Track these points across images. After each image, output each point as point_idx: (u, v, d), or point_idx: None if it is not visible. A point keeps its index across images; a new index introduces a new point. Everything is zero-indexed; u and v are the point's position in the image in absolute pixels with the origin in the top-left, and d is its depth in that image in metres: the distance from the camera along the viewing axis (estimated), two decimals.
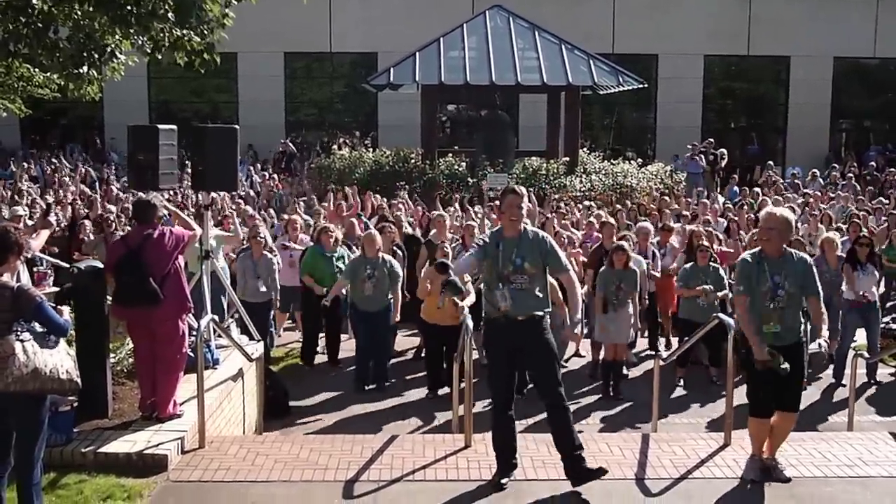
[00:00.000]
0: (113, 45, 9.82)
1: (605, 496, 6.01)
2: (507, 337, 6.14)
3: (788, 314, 6.13)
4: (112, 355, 7.52)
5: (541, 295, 6.17)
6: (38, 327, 5.16)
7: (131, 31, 8.97)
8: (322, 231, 11.41)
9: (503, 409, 6.26)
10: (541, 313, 6.16)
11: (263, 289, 11.18)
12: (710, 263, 10.53)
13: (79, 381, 5.27)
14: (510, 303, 6.02)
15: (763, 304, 6.09)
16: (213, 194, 11.84)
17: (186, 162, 15.99)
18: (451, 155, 22.96)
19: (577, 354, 11.60)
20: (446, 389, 9.70)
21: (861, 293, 10.35)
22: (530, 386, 9.00)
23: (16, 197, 18.55)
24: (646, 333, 12.04)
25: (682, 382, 10.54)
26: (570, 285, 6.40)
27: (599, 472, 6.04)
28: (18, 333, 5.02)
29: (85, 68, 9.81)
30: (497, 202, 7.32)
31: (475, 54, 22.29)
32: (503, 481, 6.15)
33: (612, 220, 12.43)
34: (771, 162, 27.66)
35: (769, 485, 6.18)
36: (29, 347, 5.01)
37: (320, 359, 11.55)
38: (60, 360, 5.14)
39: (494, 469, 6.28)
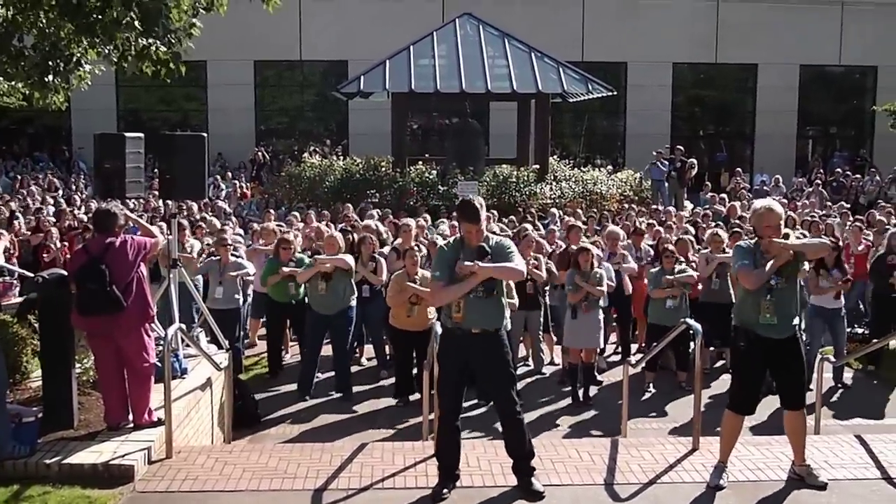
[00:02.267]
0: (79, 54, 9.73)
1: (573, 501, 6.02)
2: (460, 350, 6.15)
3: (784, 306, 6.17)
4: (78, 365, 7.44)
5: (498, 308, 6.18)
6: None
7: (97, 39, 8.90)
8: (280, 243, 11.26)
9: (449, 419, 6.24)
10: (497, 327, 6.18)
11: (232, 295, 11.09)
12: (676, 266, 10.64)
13: None
14: (464, 313, 6.03)
15: (760, 296, 6.11)
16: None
17: (155, 171, 15.89)
18: (421, 163, 23.00)
19: (551, 363, 11.62)
20: (416, 396, 9.69)
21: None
22: None
23: None
24: (614, 339, 12.13)
25: (651, 387, 10.60)
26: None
27: (538, 497, 6.06)
28: None
29: (50, 77, 9.72)
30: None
31: (445, 62, 22.32)
32: (444, 492, 6.12)
33: (578, 224, 12.47)
34: (739, 169, 27.94)
35: (734, 489, 6.23)
36: None
37: (293, 367, 11.50)
38: None
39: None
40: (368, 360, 11.86)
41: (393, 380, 10.53)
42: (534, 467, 6.28)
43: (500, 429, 6.31)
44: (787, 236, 6.53)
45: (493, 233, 7.03)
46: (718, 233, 11.48)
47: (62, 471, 6.28)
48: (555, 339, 11.58)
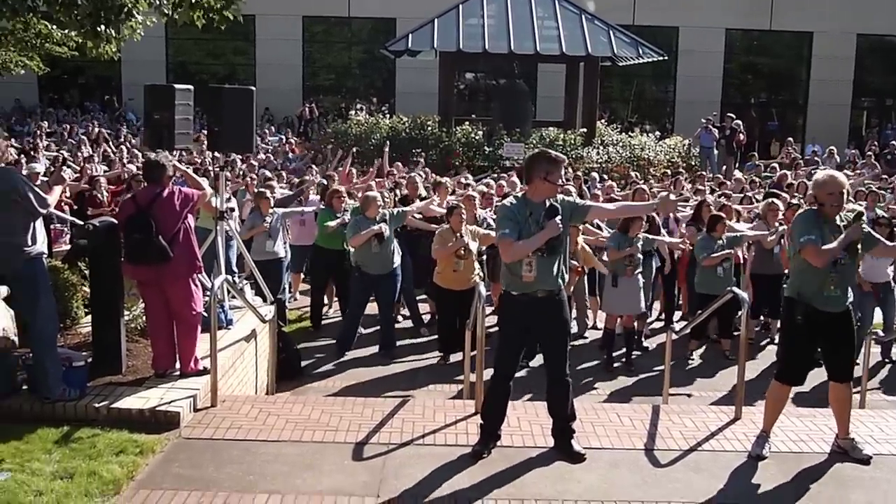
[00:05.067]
0: (130, 4, 9.78)
1: (612, 465, 6.02)
2: (525, 314, 6.08)
3: (846, 280, 6.07)
4: (126, 313, 7.56)
5: (561, 268, 6.10)
6: None
7: None
8: (332, 194, 11.38)
9: (503, 383, 6.24)
10: (560, 287, 6.11)
11: (275, 248, 11.15)
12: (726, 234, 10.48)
13: (15, 339, 5.24)
14: (535, 273, 5.94)
15: (825, 270, 5.92)
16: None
17: (203, 123, 15.98)
18: (467, 123, 22.90)
19: (594, 327, 11.59)
20: (459, 355, 9.72)
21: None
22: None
23: (33, 154, 18.59)
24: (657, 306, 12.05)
25: (694, 356, 10.53)
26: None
27: (578, 459, 6.06)
28: None
29: (102, 27, 9.78)
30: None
31: (494, 22, 22.14)
32: (484, 451, 6.13)
33: (643, 186, 12.29)
34: (790, 139, 27.45)
35: (776, 460, 6.18)
36: None
37: (336, 321, 11.60)
38: None
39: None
40: (405, 317, 11.92)
41: (433, 337, 10.57)
42: (574, 430, 6.28)
43: (547, 390, 6.27)
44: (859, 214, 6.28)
45: None
46: (775, 201, 11.25)
47: (110, 415, 6.39)
48: (599, 302, 11.53)
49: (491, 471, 5.86)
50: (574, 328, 11.33)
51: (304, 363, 9.85)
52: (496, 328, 10.51)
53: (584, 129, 22.30)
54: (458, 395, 8.43)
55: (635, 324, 10.42)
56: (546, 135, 21.77)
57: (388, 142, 18.70)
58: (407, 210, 10.62)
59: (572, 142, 21.36)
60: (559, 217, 5.87)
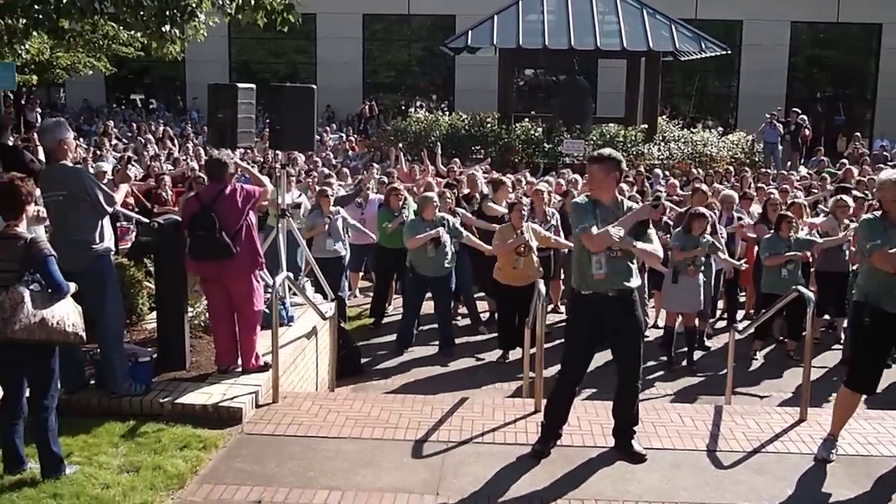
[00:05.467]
0: (194, 5, 9.95)
1: (673, 466, 5.94)
2: (595, 315, 5.98)
3: None
4: (190, 309, 7.67)
5: (633, 266, 6.00)
6: None
7: None
8: (390, 191, 11.44)
9: (570, 386, 6.18)
10: (632, 286, 6.01)
11: (335, 246, 11.24)
12: (791, 234, 10.25)
13: (83, 335, 5.33)
14: (605, 271, 5.84)
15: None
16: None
17: (265, 121, 16.19)
18: (527, 120, 22.83)
19: (654, 325, 11.47)
20: (518, 353, 9.70)
21: None
22: None
23: (99, 153, 18.98)
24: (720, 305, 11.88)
25: (758, 356, 10.35)
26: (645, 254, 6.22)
27: (639, 459, 5.99)
28: (28, 284, 5.11)
29: (167, 27, 9.97)
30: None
31: (554, 18, 22.03)
32: (545, 449, 6.08)
33: (703, 187, 12.11)
34: (858, 133, 26.83)
35: (843, 463, 6.04)
36: (38, 298, 5.10)
37: (396, 319, 11.65)
38: (67, 312, 5.21)
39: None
40: (463, 316, 11.91)
41: (492, 336, 10.56)
42: (635, 430, 6.21)
43: (616, 391, 6.19)
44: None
45: None
46: (844, 198, 11.00)
47: (175, 410, 6.50)
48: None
49: (551, 470, 5.83)
50: None
51: (363, 360, 9.92)
52: (556, 326, 10.55)
53: (645, 126, 22.06)
54: (517, 394, 8.40)
55: (696, 323, 10.27)
56: (606, 131, 21.59)
57: (439, 143, 18.67)
58: (465, 233, 10.50)
59: (633, 138, 21.15)
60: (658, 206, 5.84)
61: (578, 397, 7.59)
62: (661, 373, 9.84)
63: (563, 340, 6.57)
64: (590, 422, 6.62)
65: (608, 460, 6.01)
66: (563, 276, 11.62)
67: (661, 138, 21.95)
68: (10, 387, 5.32)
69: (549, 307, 10.53)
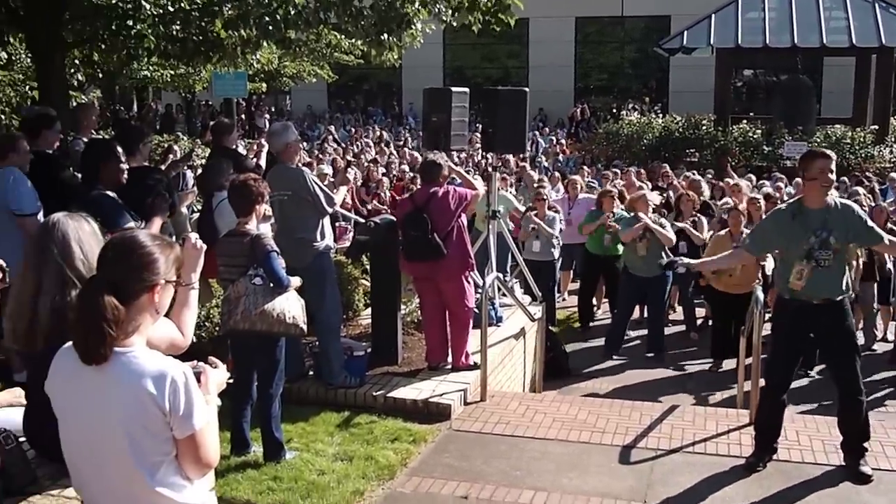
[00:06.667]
0: (411, 13, 10.25)
1: None
2: (798, 322, 5.72)
3: None
4: (403, 307, 7.90)
5: (840, 274, 5.68)
6: None
7: None
8: (603, 194, 11.31)
9: (776, 393, 5.88)
10: (839, 297, 5.68)
11: (548, 248, 11.24)
12: None
13: (304, 327, 5.54)
14: (804, 282, 5.57)
15: None
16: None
17: (477, 125, 16.39)
18: (745, 121, 22.02)
19: (884, 339, 10.73)
20: (732, 363, 9.34)
21: None
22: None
23: (320, 156, 19.93)
24: None
25: None
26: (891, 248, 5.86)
27: (864, 480, 5.59)
28: (252, 277, 5.36)
29: (386, 35, 10.32)
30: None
31: (776, 15, 21.14)
32: (759, 464, 5.81)
33: None
34: None
35: None
36: (260, 291, 5.34)
37: (604, 322, 11.53)
38: (289, 305, 5.42)
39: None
40: (674, 323, 11.58)
41: (704, 344, 10.23)
42: (866, 449, 5.81)
43: (839, 405, 5.84)
44: None
45: None
46: None
47: (386, 403, 6.70)
48: (893, 311, 10.66)
49: (765, 485, 5.58)
50: (861, 339, 10.55)
51: (571, 363, 9.86)
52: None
53: (876, 127, 20.72)
54: (727, 404, 8.08)
55: None
56: (832, 133, 20.44)
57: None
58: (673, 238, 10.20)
59: (861, 140, 19.91)
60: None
61: (796, 410, 7.25)
62: (891, 389, 9.18)
63: None
64: (809, 437, 6.28)
65: (829, 479, 5.67)
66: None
67: (893, 140, 20.55)
68: (243, 374, 5.66)
69: (767, 316, 10.06)
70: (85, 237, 4.06)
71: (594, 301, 12.02)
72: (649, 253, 9.91)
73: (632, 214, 10.17)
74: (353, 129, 29.14)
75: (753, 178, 16.03)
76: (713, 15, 21.31)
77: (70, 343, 2.71)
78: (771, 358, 5.98)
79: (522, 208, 11.74)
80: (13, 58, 13.87)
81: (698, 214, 11.08)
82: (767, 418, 5.94)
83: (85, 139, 7.67)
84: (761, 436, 5.95)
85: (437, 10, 10.28)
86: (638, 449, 6.16)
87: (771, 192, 12.52)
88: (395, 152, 21.99)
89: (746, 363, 7.20)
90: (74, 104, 11.26)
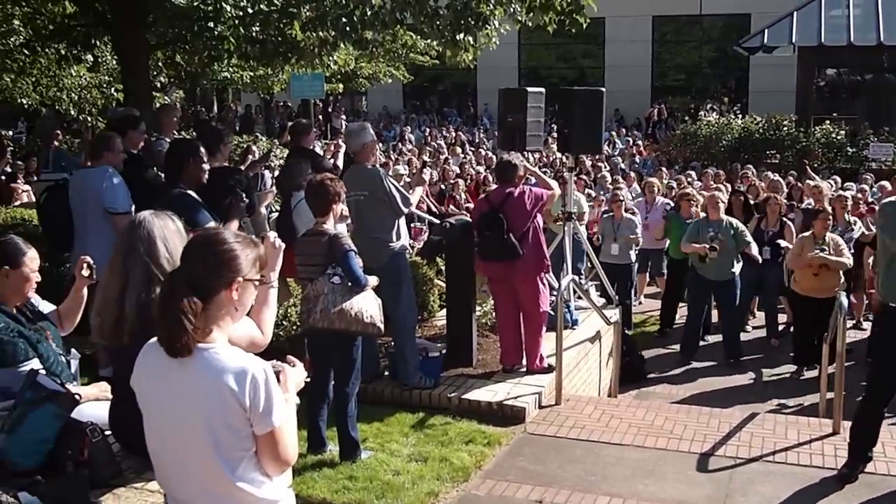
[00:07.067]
0: (487, 13, 10.23)
1: None
2: None
3: None
4: (478, 308, 7.87)
5: None
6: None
7: None
8: (682, 196, 11.13)
9: (878, 402, 5.67)
10: None
11: (625, 252, 11.13)
12: None
13: (381, 326, 5.55)
14: None
15: None
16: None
17: (552, 125, 16.33)
18: (828, 122, 21.49)
19: None
20: (814, 371, 9.10)
21: None
22: None
23: (396, 157, 20.04)
24: None
25: None
26: None
27: None
28: (330, 276, 5.39)
29: (461, 35, 10.32)
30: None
31: (861, 12, 20.57)
32: (852, 474, 5.62)
33: None
34: None
35: None
36: (338, 290, 5.36)
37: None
38: (366, 304, 5.44)
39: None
40: (755, 328, 11.33)
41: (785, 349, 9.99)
42: None
43: None
44: None
45: None
46: None
47: (461, 405, 6.69)
48: None
49: (850, 498, 5.43)
50: None
51: (647, 368, 9.73)
52: (857, 343, 9.77)
53: None
54: (809, 413, 7.86)
55: None
56: None
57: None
58: (751, 241, 9.91)
59: None
60: None
61: (885, 421, 7.01)
62: None
63: (864, 359, 6.08)
64: None
65: None
66: (866, 289, 10.75)
67: None
68: (320, 373, 5.71)
69: (851, 323, 9.80)
70: (170, 235, 4.14)
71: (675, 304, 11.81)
72: (718, 257, 9.69)
73: (698, 219, 9.98)
74: (429, 130, 29.24)
75: (839, 179, 15.58)
76: (795, 12, 20.84)
77: (155, 339, 2.76)
78: (875, 370, 5.78)
79: (587, 214, 11.65)
80: (99, 60, 14.25)
81: (784, 217, 10.79)
82: (865, 429, 5.74)
83: (168, 139, 7.83)
84: (856, 445, 5.75)
85: (512, 9, 10.24)
86: (716, 457, 6.04)
87: (856, 195, 12.19)
88: (470, 153, 22.01)
89: (829, 371, 7.00)
90: (157, 105, 11.50)
